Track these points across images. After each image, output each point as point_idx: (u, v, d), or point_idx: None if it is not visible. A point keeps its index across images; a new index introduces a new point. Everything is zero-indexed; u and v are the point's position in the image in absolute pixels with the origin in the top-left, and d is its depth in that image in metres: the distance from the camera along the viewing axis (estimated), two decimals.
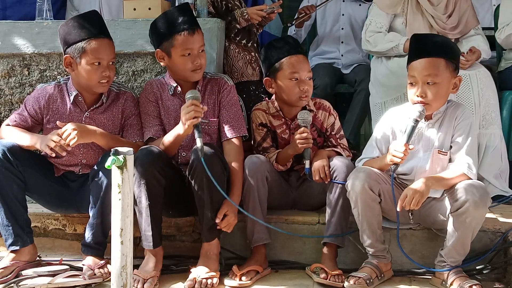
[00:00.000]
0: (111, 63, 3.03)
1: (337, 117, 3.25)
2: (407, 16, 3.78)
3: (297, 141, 2.97)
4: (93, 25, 3.01)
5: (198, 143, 2.74)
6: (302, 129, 2.99)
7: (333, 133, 3.21)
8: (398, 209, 2.72)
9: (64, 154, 2.92)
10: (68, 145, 2.87)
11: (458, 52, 2.94)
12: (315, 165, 3.00)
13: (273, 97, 3.25)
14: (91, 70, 2.98)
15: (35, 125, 3.13)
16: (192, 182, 2.86)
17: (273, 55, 3.18)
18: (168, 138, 2.97)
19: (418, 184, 2.72)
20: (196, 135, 2.77)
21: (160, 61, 3.11)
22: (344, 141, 3.23)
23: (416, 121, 2.77)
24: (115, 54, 3.08)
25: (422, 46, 2.87)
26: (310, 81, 3.15)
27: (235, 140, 3.07)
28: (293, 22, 4.60)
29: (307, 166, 3.01)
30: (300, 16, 4.54)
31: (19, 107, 3.27)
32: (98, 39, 2.99)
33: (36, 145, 2.96)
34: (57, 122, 2.95)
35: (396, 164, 2.76)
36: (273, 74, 3.17)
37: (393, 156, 2.74)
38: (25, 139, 3.00)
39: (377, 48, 3.79)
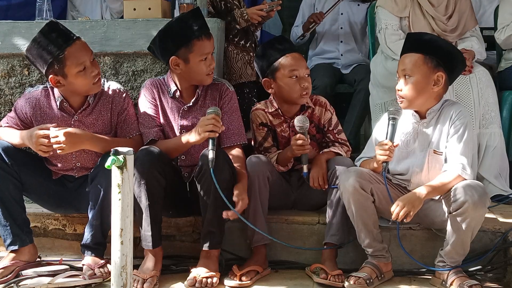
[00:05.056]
0: (92, 59, 2.98)
1: (334, 112, 3.26)
2: (410, 18, 3.77)
3: (293, 147, 2.99)
4: (57, 36, 2.90)
5: (210, 154, 2.75)
6: (298, 135, 2.99)
7: (330, 128, 3.22)
8: (392, 218, 2.72)
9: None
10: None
11: (447, 51, 2.86)
12: (312, 173, 3.03)
13: (271, 96, 3.25)
14: (80, 77, 2.92)
15: (26, 128, 3.03)
16: (199, 186, 2.86)
17: (270, 56, 3.17)
18: (176, 142, 2.97)
19: (411, 195, 2.73)
20: (210, 147, 2.78)
21: (174, 68, 3.02)
22: (342, 135, 3.24)
23: (394, 119, 2.80)
24: (91, 49, 3.01)
25: (405, 43, 2.91)
26: (309, 77, 3.16)
27: (236, 147, 3.07)
28: (305, 34, 4.59)
29: (305, 170, 3.03)
30: (310, 26, 4.54)
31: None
32: (69, 46, 2.90)
33: (25, 143, 2.91)
34: (51, 128, 2.86)
35: (385, 162, 2.77)
36: (272, 75, 3.16)
37: (379, 155, 2.76)
38: (14, 137, 2.98)
39: (397, 57, 3.71)
